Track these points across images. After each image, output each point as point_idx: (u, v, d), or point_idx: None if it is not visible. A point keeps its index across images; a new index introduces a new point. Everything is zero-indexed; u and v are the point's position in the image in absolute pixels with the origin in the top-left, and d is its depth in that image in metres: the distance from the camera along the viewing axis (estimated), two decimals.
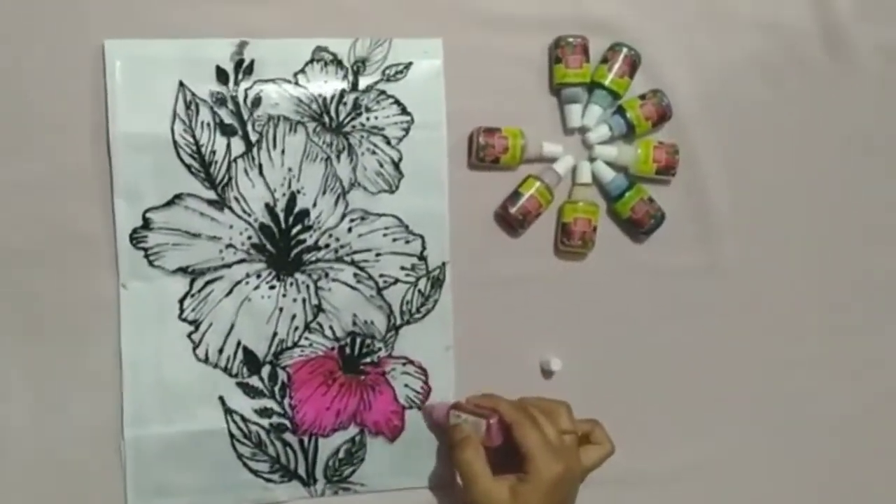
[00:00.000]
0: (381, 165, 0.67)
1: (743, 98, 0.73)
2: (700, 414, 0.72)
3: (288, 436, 0.65)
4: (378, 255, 0.67)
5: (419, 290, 0.67)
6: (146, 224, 0.63)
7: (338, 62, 0.66)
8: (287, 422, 0.65)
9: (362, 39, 0.66)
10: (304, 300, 0.66)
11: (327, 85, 0.66)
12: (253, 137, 0.65)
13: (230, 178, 0.64)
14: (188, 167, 0.64)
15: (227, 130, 0.64)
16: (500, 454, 0.60)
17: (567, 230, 0.68)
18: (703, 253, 0.72)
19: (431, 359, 0.67)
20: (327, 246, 0.66)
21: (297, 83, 0.65)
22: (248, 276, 0.65)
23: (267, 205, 0.65)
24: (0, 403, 0.62)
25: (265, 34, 0.65)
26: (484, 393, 0.65)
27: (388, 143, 0.67)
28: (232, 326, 0.65)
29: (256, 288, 0.65)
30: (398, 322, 0.67)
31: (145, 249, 0.64)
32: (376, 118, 0.66)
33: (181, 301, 0.64)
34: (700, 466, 0.72)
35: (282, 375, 0.65)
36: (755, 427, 0.73)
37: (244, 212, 0.65)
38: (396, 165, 0.67)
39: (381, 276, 0.67)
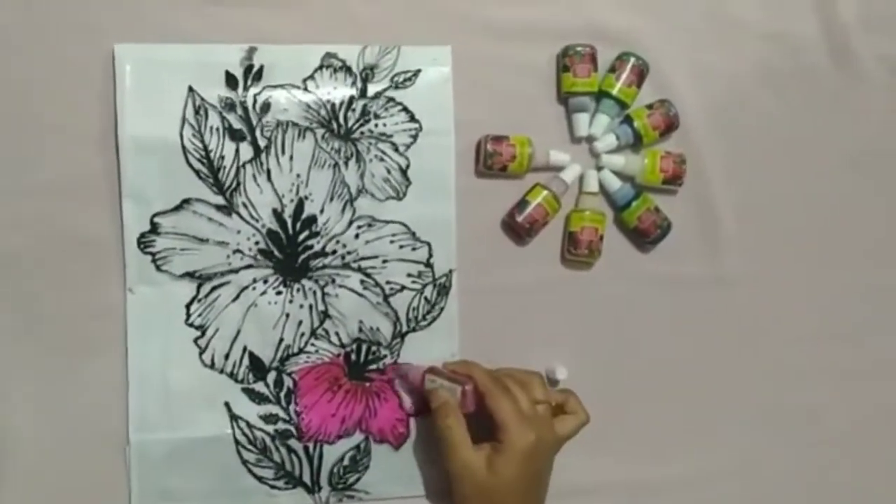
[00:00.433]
0: (389, 172, 0.67)
1: (749, 108, 0.73)
2: (706, 424, 0.72)
3: (293, 442, 0.65)
4: (385, 261, 0.67)
5: (425, 298, 0.67)
6: (154, 228, 0.63)
7: (347, 69, 0.66)
8: (292, 428, 0.65)
9: (371, 46, 0.67)
10: (310, 306, 0.66)
11: (336, 91, 0.66)
12: (261, 143, 0.65)
13: (238, 184, 0.64)
14: (197, 172, 0.64)
15: (236, 136, 0.64)
16: (473, 422, 0.60)
17: (574, 239, 0.68)
18: (710, 263, 0.72)
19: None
20: (334, 252, 0.66)
21: (306, 89, 0.66)
22: (255, 281, 0.65)
23: (275, 210, 0.65)
24: (5, 407, 0.62)
25: (275, 40, 0.65)
26: (461, 360, 0.65)
27: (396, 149, 0.67)
28: (238, 332, 0.65)
29: (263, 293, 0.65)
30: (404, 329, 0.67)
31: (153, 254, 0.63)
32: (384, 125, 0.67)
33: (188, 306, 0.64)
34: (706, 477, 0.72)
35: (287, 382, 0.65)
36: (761, 437, 0.73)
37: (252, 217, 0.65)
38: (404, 172, 0.67)
39: (388, 282, 0.67)
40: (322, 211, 0.66)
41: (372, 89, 0.66)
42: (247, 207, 0.65)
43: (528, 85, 0.69)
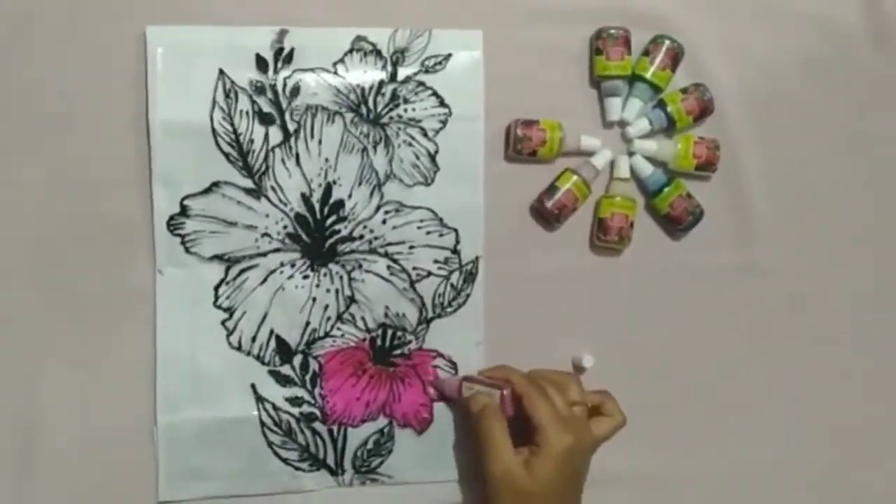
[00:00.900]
0: (418, 158, 0.66)
1: (787, 94, 0.71)
2: (735, 417, 0.71)
3: (317, 425, 0.66)
4: (412, 247, 0.66)
5: (451, 284, 0.67)
6: (183, 211, 0.64)
7: (377, 52, 0.66)
8: (317, 411, 0.66)
9: (402, 30, 0.66)
10: (337, 291, 0.66)
11: (366, 75, 0.66)
12: (291, 127, 0.65)
13: (267, 167, 0.65)
14: (226, 155, 0.64)
15: (266, 119, 0.65)
16: (510, 426, 0.60)
17: (603, 225, 0.67)
18: (742, 251, 0.71)
19: (462, 353, 0.67)
20: (361, 237, 0.66)
21: (335, 73, 0.65)
22: (282, 265, 0.65)
23: (303, 195, 0.65)
24: (36, 389, 0.63)
25: (305, 23, 0.65)
26: (496, 365, 0.64)
27: (425, 135, 0.66)
28: (265, 315, 0.65)
29: (290, 277, 0.65)
30: (430, 315, 0.67)
31: (182, 236, 0.64)
32: (414, 110, 0.66)
33: (216, 288, 0.65)
34: (735, 469, 0.71)
35: (313, 365, 0.66)
36: (793, 431, 0.72)
37: (280, 201, 0.65)
38: (433, 158, 0.66)
39: (415, 268, 0.66)
40: (350, 196, 0.66)
41: (402, 73, 0.66)
42: (275, 191, 0.65)
43: (560, 69, 0.68)
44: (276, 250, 0.65)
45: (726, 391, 0.71)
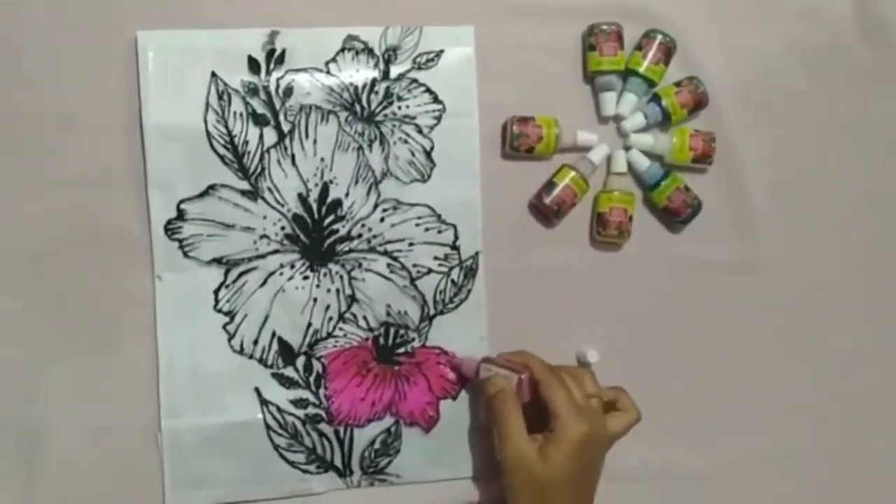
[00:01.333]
0: (413, 154, 0.66)
1: (780, 86, 0.71)
2: (737, 410, 0.71)
3: (323, 426, 0.65)
4: (411, 244, 0.66)
5: (452, 280, 0.67)
6: (180, 215, 0.63)
7: (369, 50, 0.66)
8: (322, 412, 0.65)
9: (393, 27, 0.66)
10: (337, 290, 0.65)
11: (359, 74, 0.65)
12: (285, 127, 0.64)
13: (263, 169, 0.64)
14: (221, 157, 0.64)
15: (260, 120, 0.64)
16: (526, 412, 0.60)
17: (603, 220, 0.67)
18: (741, 243, 0.71)
19: (466, 349, 0.67)
20: (360, 236, 0.66)
21: (328, 72, 0.65)
22: (282, 266, 0.65)
23: (300, 195, 0.65)
24: (38, 396, 0.63)
25: (296, 23, 0.65)
26: (516, 350, 0.64)
27: (420, 131, 0.66)
28: (267, 317, 0.65)
29: (290, 278, 0.65)
30: (432, 312, 0.67)
31: (180, 240, 0.63)
32: (408, 107, 0.66)
33: (216, 292, 0.64)
34: (737, 463, 0.71)
35: (317, 366, 0.65)
36: (795, 425, 0.72)
37: (277, 202, 0.64)
38: (428, 154, 0.66)
39: (415, 265, 0.66)
40: (347, 195, 0.65)
41: (394, 71, 0.66)
42: (272, 192, 0.64)
43: (554, 65, 0.68)
44: (275, 252, 0.65)
45: (728, 383, 0.71)
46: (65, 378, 0.63)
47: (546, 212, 0.67)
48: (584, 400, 0.60)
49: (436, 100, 0.66)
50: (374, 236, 0.66)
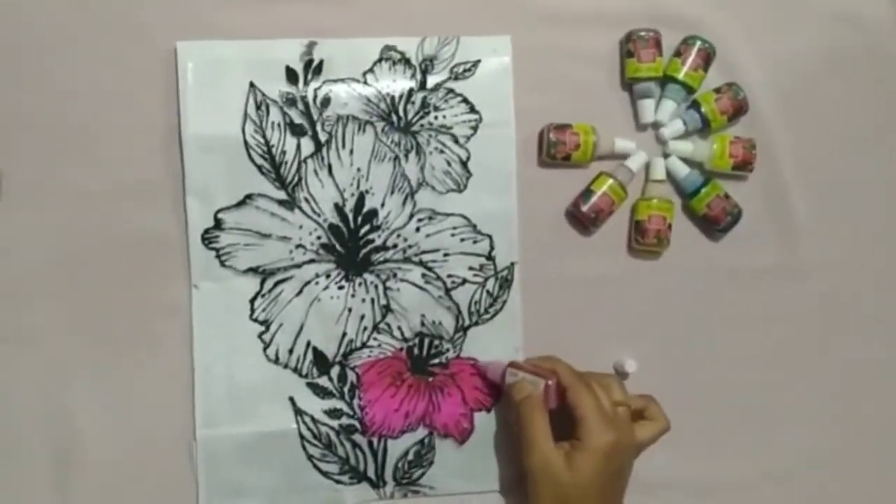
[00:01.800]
0: (449, 164, 0.66)
1: (819, 93, 0.70)
2: (778, 419, 0.70)
3: (357, 437, 0.65)
4: (446, 255, 0.66)
5: (487, 291, 0.66)
6: (218, 224, 0.64)
7: (406, 61, 0.66)
8: (356, 423, 0.65)
9: (430, 38, 0.66)
10: (372, 300, 0.65)
11: (395, 84, 0.66)
12: (322, 137, 0.65)
13: (300, 179, 0.64)
14: (259, 167, 0.64)
15: (297, 130, 0.64)
16: (552, 420, 0.59)
17: (641, 228, 0.66)
18: (781, 252, 0.70)
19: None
20: (395, 246, 0.65)
21: (365, 82, 0.65)
22: (317, 276, 0.65)
23: (336, 205, 0.65)
24: (74, 404, 0.63)
25: (334, 34, 0.65)
26: (544, 355, 0.63)
27: (456, 141, 0.66)
28: (302, 327, 0.65)
29: (326, 288, 0.65)
30: (466, 323, 0.66)
31: (217, 250, 0.64)
32: (444, 117, 0.66)
33: (252, 301, 0.64)
34: (778, 474, 0.69)
35: (351, 376, 0.65)
36: (834, 435, 0.70)
37: (314, 212, 0.65)
38: (464, 164, 0.66)
39: (450, 276, 0.66)
40: (383, 205, 0.65)
41: (431, 81, 0.66)
42: (308, 202, 0.65)
43: (591, 72, 0.68)
44: (311, 261, 0.65)
45: (767, 394, 0.69)
46: (100, 386, 0.63)
47: (583, 220, 0.66)
48: (611, 408, 0.59)
49: (472, 110, 0.66)
50: (410, 246, 0.66)
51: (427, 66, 0.66)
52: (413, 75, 0.66)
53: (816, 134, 0.70)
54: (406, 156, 0.66)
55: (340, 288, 0.65)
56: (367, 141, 0.65)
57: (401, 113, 0.66)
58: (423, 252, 0.66)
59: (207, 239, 0.64)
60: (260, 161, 0.64)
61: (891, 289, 0.71)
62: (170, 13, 0.64)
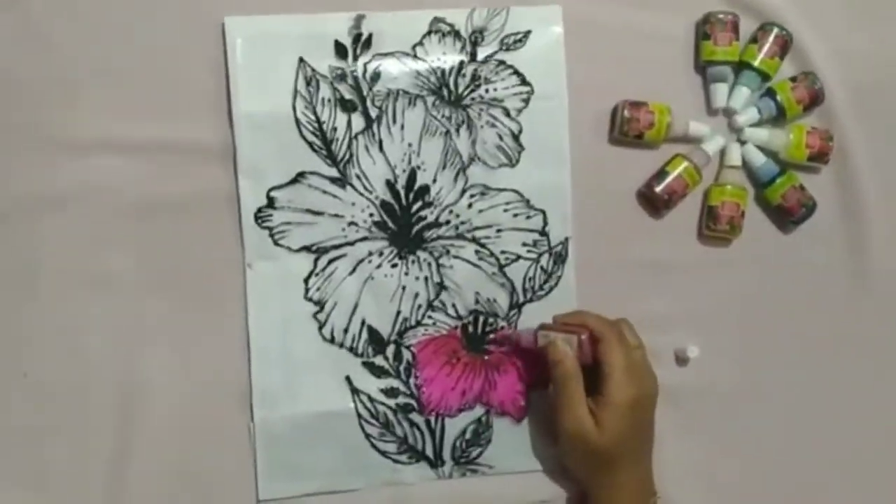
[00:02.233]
0: (501, 138, 0.65)
1: (893, 89, 0.69)
2: (837, 421, 0.68)
3: (415, 416, 0.64)
4: (499, 231, 0.65)
5: (541, 267, 0.65)
6: (270, 203, 0.63)
7: (455, 33, 0.64)
8: (413, 402, 0.64)
9: (479, 9, 0.65)
10: (426, 278, 0.64)
11: (445, 57, 0.64)
12: (373, 113, 0.64)
13: (351, 155, 0.63)
14: (310, 144, 0.63)
15: (348, 106, 0.63)
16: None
17: (714, 214, 0.65)
18: (852, 248, 0.68)
19: None
20: (448, 223, 0.64)
21: (415, 56, 0.64)
22: (370, 254, 0.64)
23: (388, 181, 0.64)
24: (141, 355, 0.62)
25: (382, 7, 0.64)
26: (571, 311, 0.63)
27: (508, 114, 0.65)
28: (356, 305, 0.64)
29: (379, 266, 0.64)
30: (521, 300, 0.65)
31: (270, 228, 0.63)
32: (495, 90, 0.65)
33: (306, 280, 0.63)
34: (842, 469, 0.67)
35: (406, 355, 0.64)
36: None
37: (366, 189, 0.64)
38: (516, 138, 0.65)
39: (503, 252, 0.65)
40: (435, 180, 0.64)
41: (481, 53, 0.65)
42: (360, 179, 0.64)
43: (662, 52, 0.67)
44: (364, 239, 0.64)
45: (829, 394, 0.68)
46: (168, 341, 0.63)
47: (656, 201, 0.65)
48: (642, 357, 0.60)
49: (524, 82, 0.65)
50: (462, 223, 0.65)
51: (477, 37, 0.65)
52: (463, 48, 0.64)
53: (889, 130, 0.68)
54: (457, 130, 0.64)
55: (394, 266, 0.64)
56: (418, 116, 0.64)
57: (451, 86, 0.64)
58: (476, 228, 0.65)
59: (260, 218, 0.63)
60: (311, 138, 0.63)
61: None
62: None
